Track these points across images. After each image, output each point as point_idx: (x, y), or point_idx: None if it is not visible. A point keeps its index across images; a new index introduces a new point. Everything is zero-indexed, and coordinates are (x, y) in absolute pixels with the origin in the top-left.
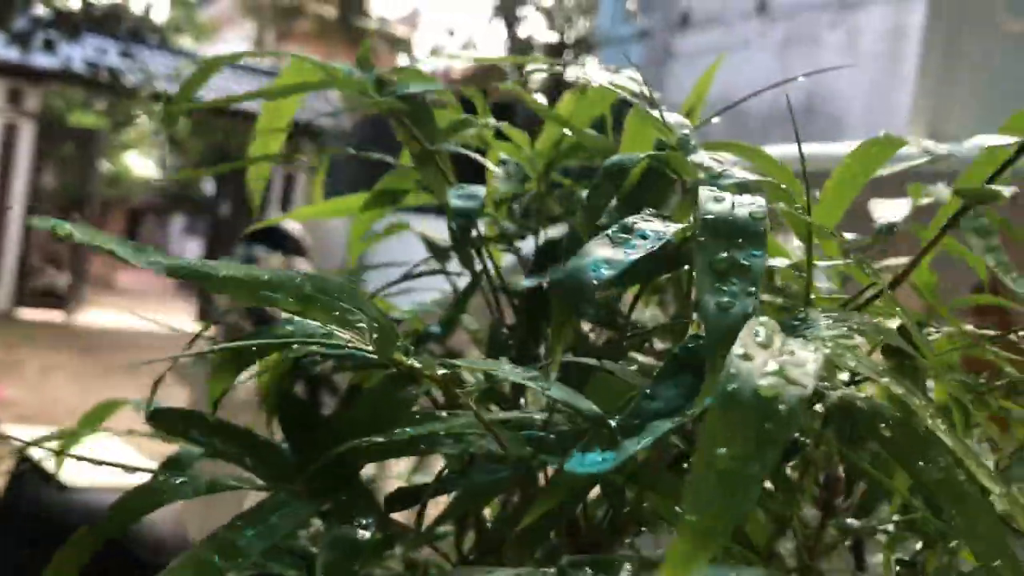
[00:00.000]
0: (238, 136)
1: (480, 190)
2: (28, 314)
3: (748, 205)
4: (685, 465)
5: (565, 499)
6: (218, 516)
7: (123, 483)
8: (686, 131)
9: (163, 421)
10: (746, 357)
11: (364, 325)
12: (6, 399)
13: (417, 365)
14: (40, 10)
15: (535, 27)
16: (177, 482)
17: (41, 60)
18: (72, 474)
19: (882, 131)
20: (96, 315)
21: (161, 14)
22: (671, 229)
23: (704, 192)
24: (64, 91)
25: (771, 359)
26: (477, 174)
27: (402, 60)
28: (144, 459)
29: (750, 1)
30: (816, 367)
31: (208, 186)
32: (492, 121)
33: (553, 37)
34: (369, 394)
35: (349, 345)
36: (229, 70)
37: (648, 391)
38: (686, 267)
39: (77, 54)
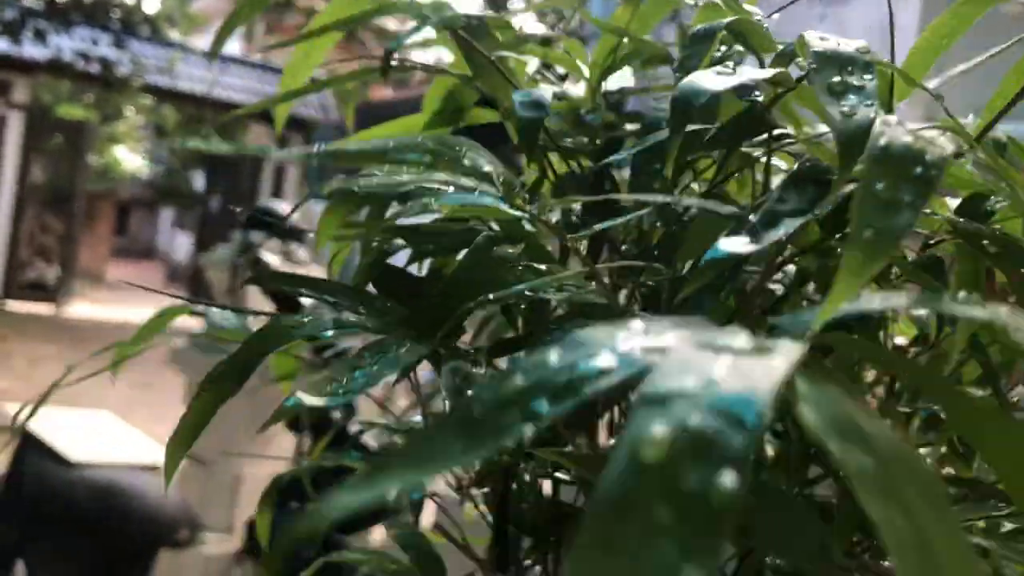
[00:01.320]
0: (226, 127)
1: (546, 94)
2: (17, 306)
3: (851, 44)
4: None
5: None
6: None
7: (124, 459)
8: (760, 16)
9: (272, 280)
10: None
11: (491, 173)
12: None
13: (533, 213)
14: (30, 1)
15: (525, 19)
16: (302, 321)
17: (31, 51)
18: (74, 450)
19: None
20: (85, 308)
21: (152, 5)
22: (766, 73)
23: (809, 35)
24: (53, 83)
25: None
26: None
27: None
28: (143, 436)
29: None
30: (947, 145)
31: (198, 179)
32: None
33: (543, 28)
34: (473, 250)
35: (478, 191)
36: (218, 61)
37: (778, 196)
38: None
39: (67, 45)
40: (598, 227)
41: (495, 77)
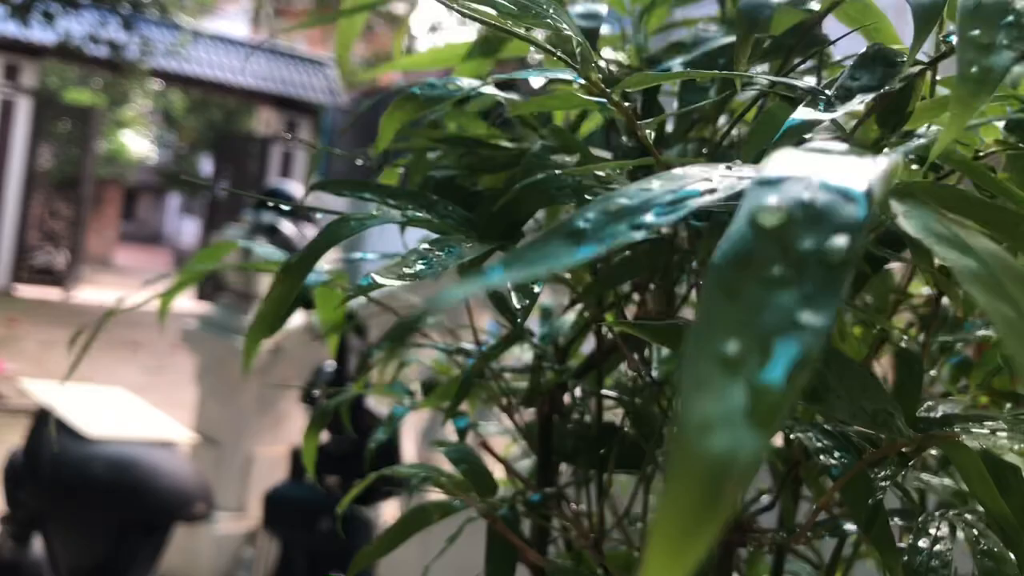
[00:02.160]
0: (234, 113)
1: (601, 7)
2: (26, 291)
3: None
4: None
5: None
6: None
7: (141, 435)
8: None
9: (331, 187)
10: None
11: (571, 34)
12: (7, 372)
13: (607, 92)
14: None
15: None
16: (374, 214)
17: (39, 34)
18: (90, 425)
19: None
20: (93, 292)
21: None
22: None
23: None
24: (61, 67)
25: None
26: None
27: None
28: (157, 412)
29: None
30: None
31: (205, 165)
32: None
33: None
34: (530, 155)
35: (557, 56)
36: (224, 44)
37: (850, 74)
38: None
39: (76, 28)
40: (667, 114)
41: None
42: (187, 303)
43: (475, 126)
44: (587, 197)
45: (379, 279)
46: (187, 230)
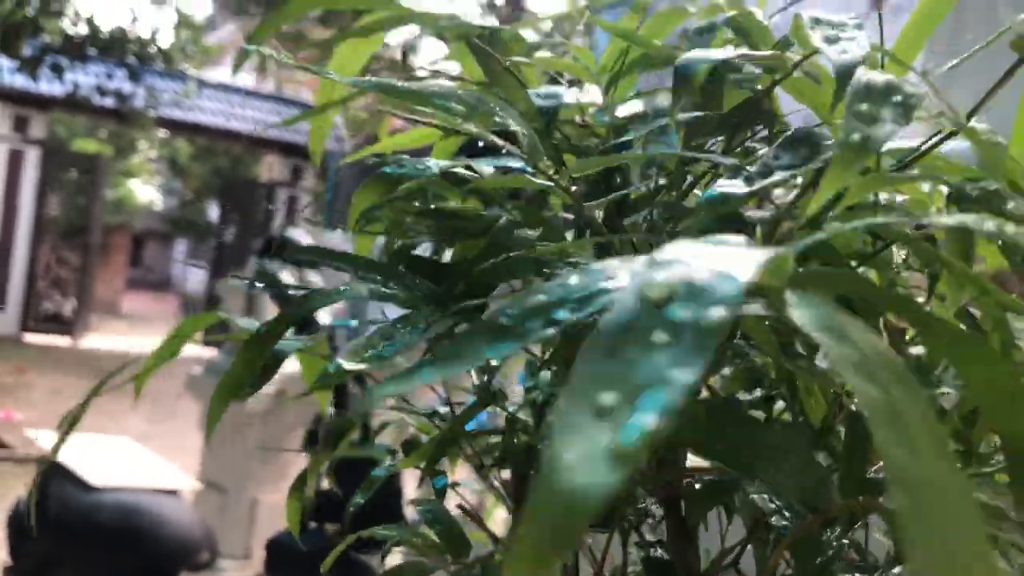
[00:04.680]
0: (239, 159)
1: (560, 90)
2: (34, 339)
3: (843, 16)
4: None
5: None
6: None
7: (145, 483)
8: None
9: (304, 253)
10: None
11: (520, 130)
12: (15, 421)
13: (556, 178)
14: (47, 37)
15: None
16: (341, 289)
17: (47, 86)
18: (96, 474)
19: None
20: (101, 339)
21: (166, 39)
22: (762, 53)
23: (802, 17)
24: (69, 118)
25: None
26: None
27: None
28: (162, 460)
29: None
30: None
31: (212, 211)
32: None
33: (555, 35)
34: (495, 231)
35: (504, 152)
36: (229, 92)
37: (774, 153)
38: None
39: (83, 80)
40: (611, 196)
41: (510, 83)
42: (193, 348)
43: (449, 195)
44: (546, 271)
45: (345, 364)
46: (194, 276)
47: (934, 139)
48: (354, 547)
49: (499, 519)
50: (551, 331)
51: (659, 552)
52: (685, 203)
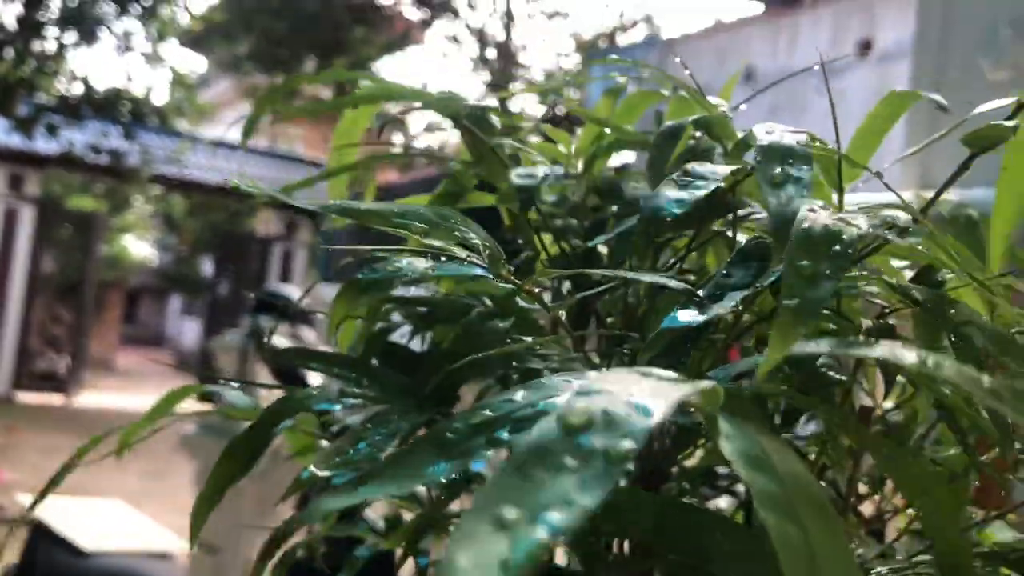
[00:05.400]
0: (235, 214)
1: (539, 170)
2: (27, 397)
3: (794, 136)
4: None
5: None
6: None
7: (137, 547)
8: (724, 109)
9: (283, 356)
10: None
11: (479, 244)
12: (6, 482)
13: (518, 283)
14: (42, 97)
15: (527, 101)
16: (312, 394)
17: (42, 145)
18: (86, 539)
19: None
20: (96, 397)
21: (161, 97)
22: (724, 170)
23: (758, 129)
24: (64, 175)
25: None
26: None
27: (397, 138)
28: (153, 524)
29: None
30: (863, 226)
31: (206, 266)
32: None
33: (543, 111)
34: (466, 323)
35: (467, 261)
36: (223, 149)
37: (724, 271)
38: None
39: (78, 138)
40: (576, 296)
41: (493, 162)
42: (185, 404)
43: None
44: (516, 365)
45: (317, 472)
46: (188, 331)
47: (888, 232)
48: None
49: None
50: (492, 450)
51: None
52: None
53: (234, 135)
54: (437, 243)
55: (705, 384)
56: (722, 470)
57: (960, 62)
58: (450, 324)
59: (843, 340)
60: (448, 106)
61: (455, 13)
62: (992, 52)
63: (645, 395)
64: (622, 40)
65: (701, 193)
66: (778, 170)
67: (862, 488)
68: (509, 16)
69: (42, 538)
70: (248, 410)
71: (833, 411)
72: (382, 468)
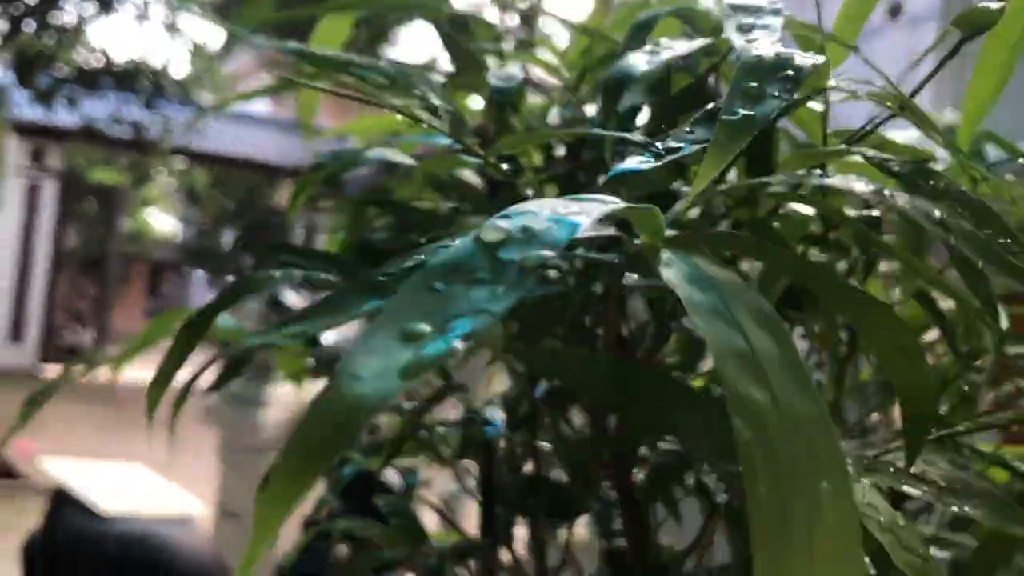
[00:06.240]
0: (256, 187)
1: (518, 72)
2: (53, 370)
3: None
4: None
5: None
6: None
7: (155, 510)
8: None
9: (256, 249)
10: None
11: (441, 104)
12: (32, 452)
13: (481, 152)
14: (63, 70)
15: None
16: (273, 276)
17: (63, 118)
18: (106, 502)
19: None
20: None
21: (182, 68)
22: (697, 43)
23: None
24: (85, 149)
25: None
26: None
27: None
28: (174, 486)
29: None
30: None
31: (228, 240)
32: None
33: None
34: (438, 220)
35: (427, 126)
36: (245, 121)
37: (688, 128)
38: None
39: (99, 110)
40: (540, 174)
41: (474, 70)
42: (209, 376)
43: (401, 189)
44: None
45: (254, 340)
46: None
47: (878, 120)
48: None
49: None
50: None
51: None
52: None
53: (257, 107)
54: (397, 102)
55: (645, 205)
56: None
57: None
58: (423, 228)
59: (793, 175)
60: (430, 11)
61: None
62: None
63: (571, 212)
64: None
65: (666, 56)
66: (746, 19)
67: None
68: None
69: (63, 502)
70: (234, 331)
71: (777, 248)
72: (319, 306)
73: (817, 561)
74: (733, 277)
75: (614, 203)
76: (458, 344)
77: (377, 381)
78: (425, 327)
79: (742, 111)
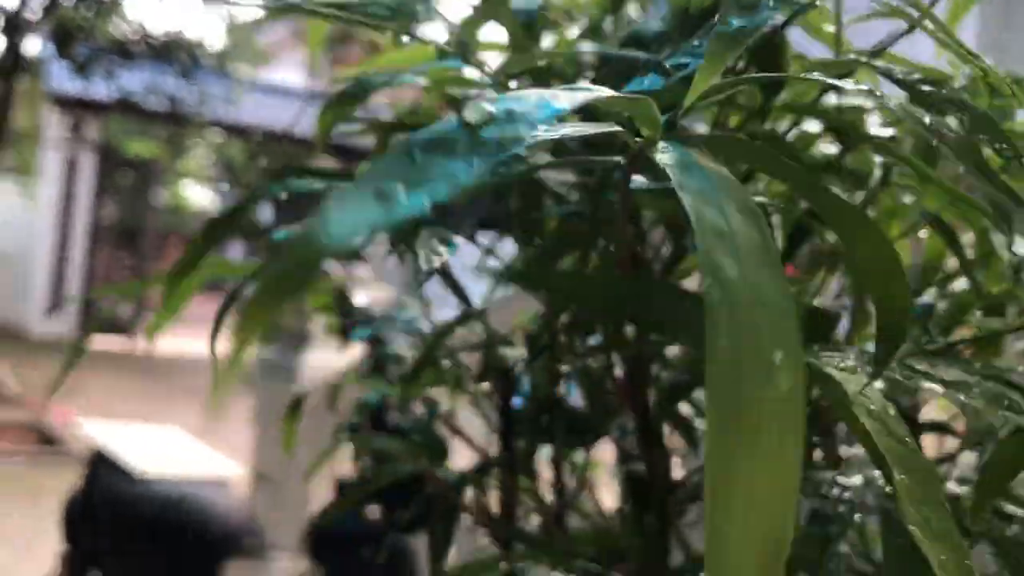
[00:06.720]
0: (294, 160)
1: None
2: (91, 341)
3: None
4: None
5: None
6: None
7: (191, 472)
8: None
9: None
10: None
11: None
12: (72, 419)
13: (491, 73)
14: (100, 42)
15: None
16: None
17: (100, 90)
18: (142, 464)
19: None
20: (158, 342)
21: (218, 41)
22: None
23: None
24: (122, 121)
25: None
26: None
27: None
28: (212, 452)
29: None
30: None
31: (266, 212)
32: None
33: None
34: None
35: (438, 47)
36: (281, 94)
37: (697, 43)
38: None
39: (136, 83)
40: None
41: (503, 8)
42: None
43: (426, 115)
44: None
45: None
46: None
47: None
48: (393, 526)
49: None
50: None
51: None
52: None
53: (293, 79)
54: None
55: (641, 96)
56: None
57: None
58: None
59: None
60: None
61: None
62: None
63: (558, 99)
64: None
65: None
66: None
67: None
68: None
69: (101, 465)
70: (246, 266)
71: (773, 154)
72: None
73: (764, 420)
74: (724, 171)
75: (602, 91)
76: (427, 205)
77: (343, 228)
78: (399, 188)
79: (735, 22)
